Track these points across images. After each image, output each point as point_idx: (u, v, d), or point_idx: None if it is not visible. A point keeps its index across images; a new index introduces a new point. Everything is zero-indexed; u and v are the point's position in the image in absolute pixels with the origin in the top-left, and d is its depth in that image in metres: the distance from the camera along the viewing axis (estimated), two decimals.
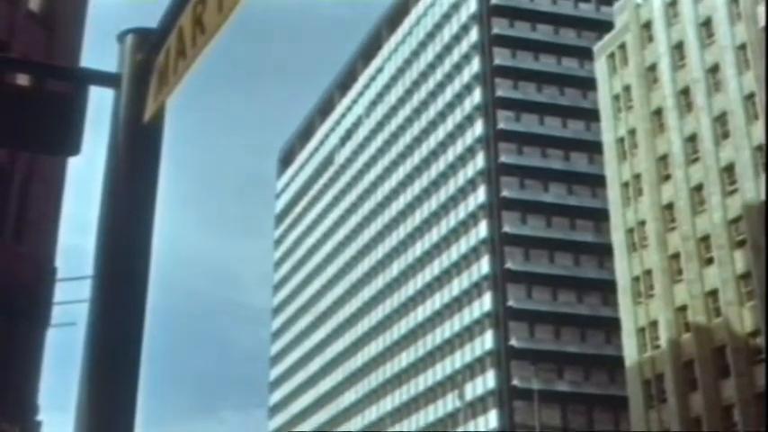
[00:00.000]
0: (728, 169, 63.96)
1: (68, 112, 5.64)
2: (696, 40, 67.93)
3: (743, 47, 63.94)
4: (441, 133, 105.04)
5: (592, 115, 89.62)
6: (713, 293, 63.69)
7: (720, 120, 65.18)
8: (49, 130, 5.63)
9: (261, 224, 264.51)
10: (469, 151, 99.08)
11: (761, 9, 62.93)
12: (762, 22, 62.69)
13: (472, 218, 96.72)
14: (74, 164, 25.64)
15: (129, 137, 5.40)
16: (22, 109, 5.62)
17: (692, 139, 67.37)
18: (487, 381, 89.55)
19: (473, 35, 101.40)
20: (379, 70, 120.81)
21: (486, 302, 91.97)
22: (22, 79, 6.00)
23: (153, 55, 5.47)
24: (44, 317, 23.50)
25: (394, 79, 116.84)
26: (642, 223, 70.50)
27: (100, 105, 5.95)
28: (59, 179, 25.65)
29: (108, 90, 5.67)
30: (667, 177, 69.05)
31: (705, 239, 64.96)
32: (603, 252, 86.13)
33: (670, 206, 68.35)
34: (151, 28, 5.57)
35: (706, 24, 67.53)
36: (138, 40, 5.61)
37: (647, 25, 73.31)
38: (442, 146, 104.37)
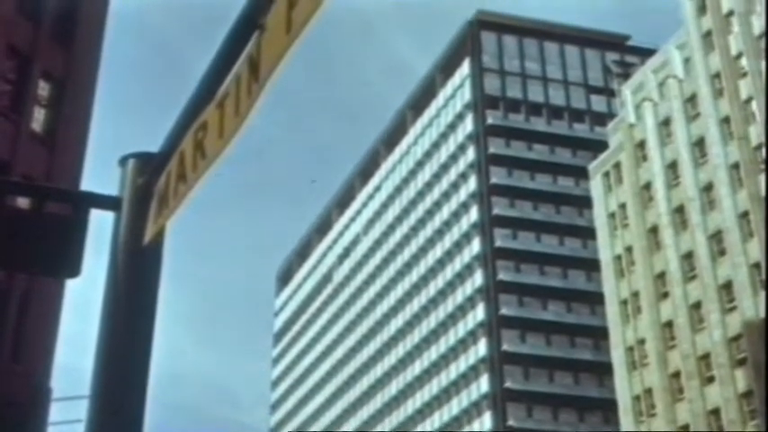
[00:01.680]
0: (726, 287, 63.92)
1: (69, 234, 5.72)
2: (690, 159, 68.76)
3: (736, 166, 64.68)
4: (438, 251, 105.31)
5: (588, 233, 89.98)
6: (715, 412, 62.88)
7: (716, 237, 65.48)
8: (48, 252, 5.70)
9: (259, 342, 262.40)
10: (467, 269, 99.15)
11: (752, 129, 63.93)
12: (754, 142, 63.61)
13: (471, 336, 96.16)
14: (72, 283, 25.67)
15: (128, 259, 5.48)
16: (23, 231, 5.70)
17: (688, 256, 67.54)
18: None
19: (470, 154, 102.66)
20: (377, 188, 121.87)
21: (486, 422, 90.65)
22: (23, 201, 6.10)
23: (154, 179, 5.58)
24: None
25: (392, 197, 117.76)
26: (642, 341, 70.08)
27: (100, 226, 6.04)
28: (57, 299, 25.65)
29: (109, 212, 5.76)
30: (665, 295, 68.95)
31: (705, 357, 64.48)
32: (603, 370, 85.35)
33: (669, 324, 68.05)
34: (152, 153, 5.70)
35: (699, 144, 68.45)
36: (140, 164, 5.73)
37: (641, 145, 74.28)
38: (441, 263, 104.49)
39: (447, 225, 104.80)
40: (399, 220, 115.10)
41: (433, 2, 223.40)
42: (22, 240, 5.67)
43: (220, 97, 4.93)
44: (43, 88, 29.31)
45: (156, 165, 5.59)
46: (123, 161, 5.83)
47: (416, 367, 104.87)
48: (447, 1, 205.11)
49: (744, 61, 65.27)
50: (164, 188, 5.41)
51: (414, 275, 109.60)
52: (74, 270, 5.75)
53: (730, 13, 66.72)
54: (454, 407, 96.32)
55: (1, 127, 27.14)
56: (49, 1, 29.97)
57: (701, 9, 68.94)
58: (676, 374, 66.53)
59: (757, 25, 64.38)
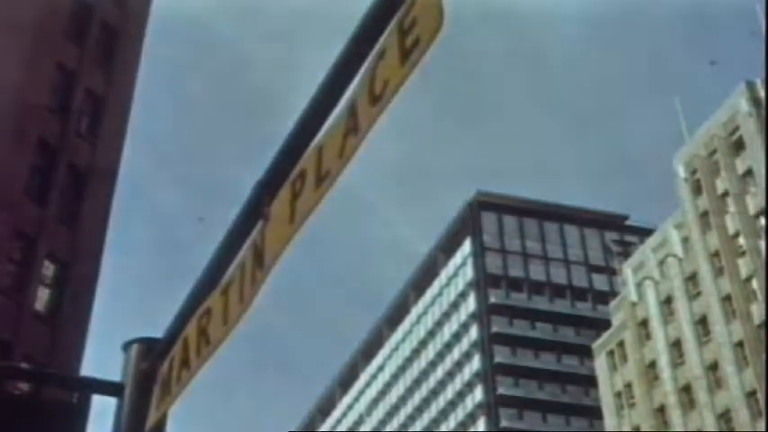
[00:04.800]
0: None
1: (69, 422, 5.66)
2: (693, 337, 68.40)
3: (740, 344, 64.25)
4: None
5: (595, 413, 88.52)
6: None
7: (724, 417, 64.35)
8: None
9: None
10: None
11: (754, 307, 63.87)
12: (756, 320, 63.43)
13: None
14: None
15: None
16: (21, 419, 5.62)
17: None
18: None
19: (473, 333, 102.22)
20: (381, 368, 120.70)
21: None
22: (24, 386, 6.05)
23: (157, 364, 5.57)
24: None
25: (395, 377, 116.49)
26: None
27: (101, 410, 5.98)
28: None
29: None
30: None
31: None
32: None
33: None
34: (156, 338, 5.71)
35: (702, 322, 68.22)
36: (144, 349, 5.73)
37: (644, 323, 74.04)
38: None
39: (451, 405, 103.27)
40: (403, 400, 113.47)
41: (433, 181, 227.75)
42: (19, 428, 5.59)
43: (225, 284, 5.00)
44: (47, 268, 29.56)
45: (159, 350, 5.59)
46: (127, 346, 5.83)
47: None
48: (447, 180, 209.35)
49: (741, 240, 65.91)
50: (167, 374, 5.40)
51: None
52: None
53: (725, 194, 67.84)
54: None
55: (4, 307, 27.22)
56: (56, 181, 30.57)
57: (697, 190, 70.13)
58: None
59: (752, 205, 65.37)
